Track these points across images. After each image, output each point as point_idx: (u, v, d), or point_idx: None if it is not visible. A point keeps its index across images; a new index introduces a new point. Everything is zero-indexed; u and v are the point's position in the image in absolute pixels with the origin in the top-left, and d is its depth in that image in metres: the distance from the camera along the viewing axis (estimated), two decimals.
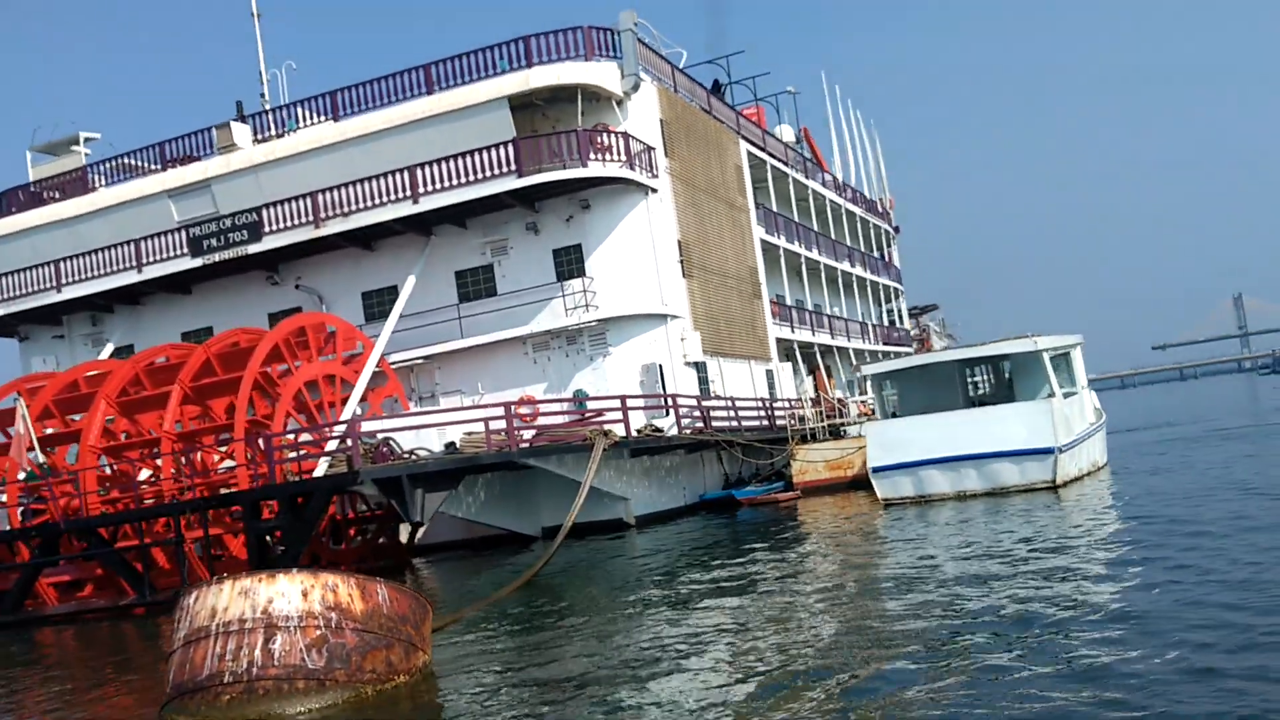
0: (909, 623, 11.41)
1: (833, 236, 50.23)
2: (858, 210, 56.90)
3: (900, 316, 63.88)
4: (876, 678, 9.33)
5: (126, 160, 36.45)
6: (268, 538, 24.35)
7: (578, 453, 25.80)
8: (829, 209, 50.66)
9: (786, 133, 50.15)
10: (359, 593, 11.00)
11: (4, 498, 27.35)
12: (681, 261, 32.55)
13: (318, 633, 10.64)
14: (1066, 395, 26.38)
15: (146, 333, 35.74)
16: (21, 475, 30.17)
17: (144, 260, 33.68)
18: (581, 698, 10.13)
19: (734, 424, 32.44)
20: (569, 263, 31.58)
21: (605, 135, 30.52)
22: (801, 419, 35.03)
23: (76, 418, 29.03)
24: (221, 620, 10.66)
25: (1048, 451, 23.78)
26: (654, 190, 31.63)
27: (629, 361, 31.00)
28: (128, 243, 33.89)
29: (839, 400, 40.08)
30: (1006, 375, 28.80)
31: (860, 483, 32.05)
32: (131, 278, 33.90)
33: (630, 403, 27.78)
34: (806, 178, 47.94)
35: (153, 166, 36.02)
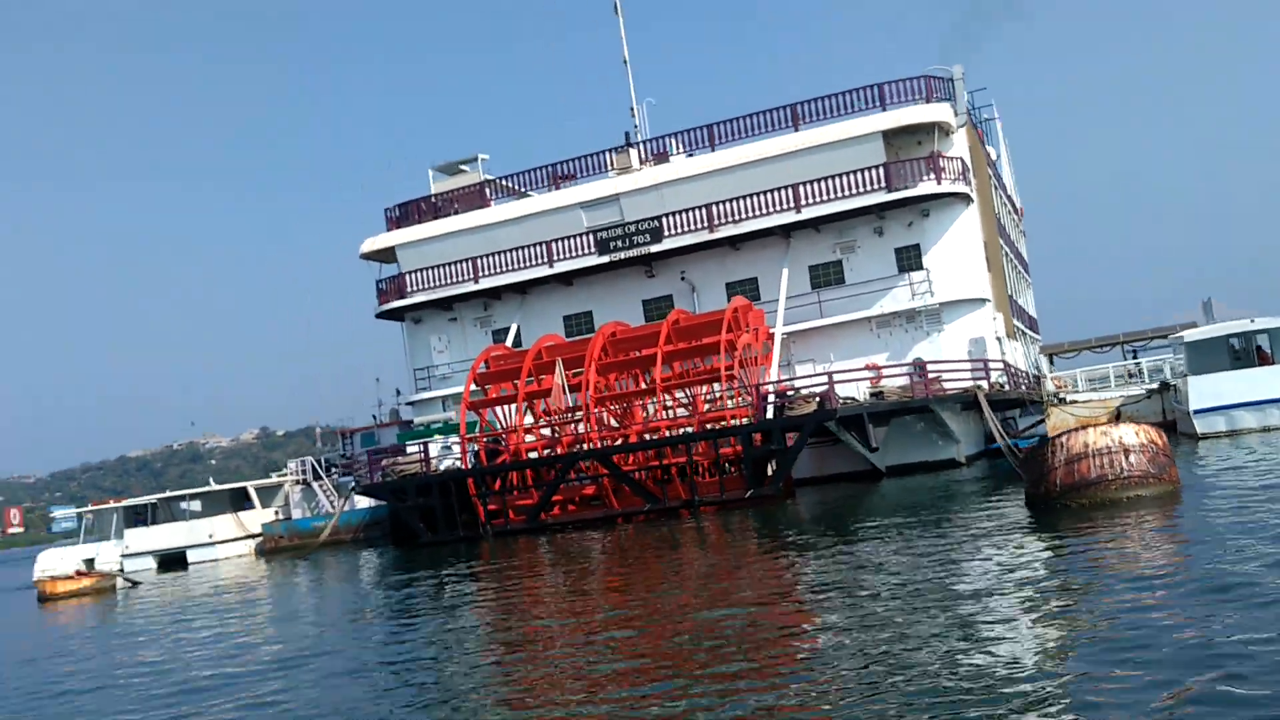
0: None
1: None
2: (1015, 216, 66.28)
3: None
4: None
5: (505, 183, 45.31)
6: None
7: (963, 400, 34.85)
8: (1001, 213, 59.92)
9: (990, 153, 59.31)
10: (1158, 434, 19.86)
11: (530, 436, 36.15)
12: (987, 259, 41.55)
13: (1149, 454, 19.48)
14: None
15: (532, 317, 44.51)
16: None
17: (555, 258, 42.48)
18: None
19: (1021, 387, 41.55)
20: (909, 258, 40.52)
21: (943, 160, 39.50)
22: (1055, 384, 44.21)
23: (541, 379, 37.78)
24: (1094, 449, 19.48)
25: None
26: (972, 201, 40.64)
27: (958, 336, 39.92)
28: (539, 244, 42.68)
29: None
30: (1258, 344, 37.68)
31: None
32: (543, 271, 42.71)
33: (962, 367, 36.93)
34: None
35: (523, 189, 44.81)
